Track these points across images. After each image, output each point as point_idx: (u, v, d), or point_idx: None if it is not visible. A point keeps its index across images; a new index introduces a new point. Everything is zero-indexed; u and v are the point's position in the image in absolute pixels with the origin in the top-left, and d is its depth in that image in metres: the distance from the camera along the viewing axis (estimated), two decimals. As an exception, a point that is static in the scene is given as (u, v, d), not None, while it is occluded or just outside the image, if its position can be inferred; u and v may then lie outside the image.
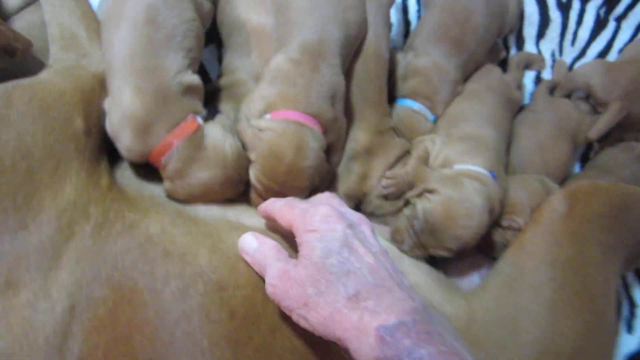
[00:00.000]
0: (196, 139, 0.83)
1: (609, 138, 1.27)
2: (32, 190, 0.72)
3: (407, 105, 1.10)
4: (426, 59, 1.11)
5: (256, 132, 0.85)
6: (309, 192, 0.88)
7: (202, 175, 0.84)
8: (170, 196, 0.86)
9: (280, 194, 0.85)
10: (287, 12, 0.93)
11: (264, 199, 0.85)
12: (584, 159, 1.31)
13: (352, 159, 1.00)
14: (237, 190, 0.89)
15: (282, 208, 0.73)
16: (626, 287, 1.23)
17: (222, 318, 0.72)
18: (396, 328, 0.55)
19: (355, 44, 0.99)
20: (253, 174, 0.87)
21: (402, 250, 0.93)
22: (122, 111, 0.80)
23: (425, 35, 1.13)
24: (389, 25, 1.09)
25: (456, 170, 0.95)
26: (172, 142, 0.80)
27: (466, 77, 1.17)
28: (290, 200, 0.75)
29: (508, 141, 1.11)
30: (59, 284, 0.69)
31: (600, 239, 0.91)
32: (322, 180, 0.92)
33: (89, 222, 0.74)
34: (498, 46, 1.30)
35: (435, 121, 1.10)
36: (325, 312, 0.60)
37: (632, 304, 1.22)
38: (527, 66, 1.33)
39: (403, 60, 1.14)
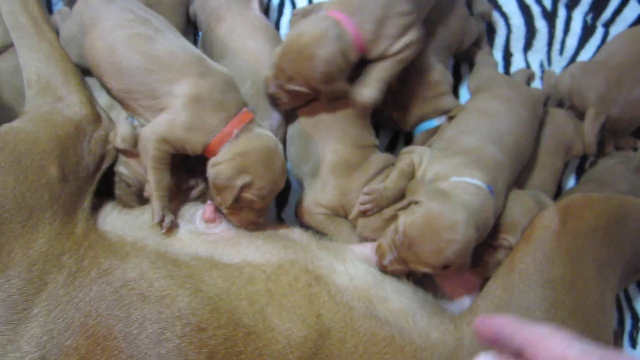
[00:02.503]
0: (250, 127, 0.89)
1: (605, 148, 1.24)
2: (1, 242, 0.71)
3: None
4: None
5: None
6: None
7: (258, 143, 0.88)
8: (217, 178, 0.86)
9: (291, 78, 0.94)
10: None
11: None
12: (579, 170, 1.28)
13: (329, 171, 1.00)
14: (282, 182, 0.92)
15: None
16: (629, 300, 1.20)
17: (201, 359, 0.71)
18: None
19: None
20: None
21: (382, 266, 0.90)
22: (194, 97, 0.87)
23: None
24: None
25: (451, 182, 0.92)
26: (232, 131, 0.88)
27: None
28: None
29: (523, 160, 1.07)
30: (29, 335, 0.68)
31: (595, 254, 0.89)
32: (333, 93, 0.98)
33: (62, 272, 0.74)
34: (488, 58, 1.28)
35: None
36: None
37: (635, 318, 1.19)
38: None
39: None
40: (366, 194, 0.97)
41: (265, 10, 1.24)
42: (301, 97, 0.98)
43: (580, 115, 1.19)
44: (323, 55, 0.92)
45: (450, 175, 0.92)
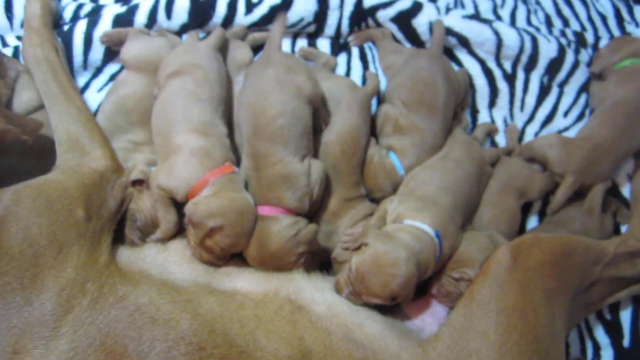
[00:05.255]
0: (231, 179, 1.04)
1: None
2: (37, 272, 0.87)
3: (396, 163, 1.26)
4: (410, 121, 1.28)
5: None
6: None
7: (239, 197, 1.03)
8: (193, 214, 1.00)
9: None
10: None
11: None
12: (542, 213, 1.43)
13: (323, 221, 1.19)
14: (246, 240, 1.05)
15: None
16: (589, 330, 1.32)
17: None
18: None
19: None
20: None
21: (344, 298, 1.04)
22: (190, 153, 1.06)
23: (402, 99, 1.30)
24: (368, 114, 1.28)
25: (402, 225, 1.08)
26: (209, 179, 1.03)
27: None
28: None
29: (468, 210, 1.24)
30: (58, 350, 0.83)
31: (543, 285, 1.02)
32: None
33: (86, 297, 0.88)
34: (462, 116, 1.45)
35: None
36: None
37: (596, 346, 1.31)
38: (488, 135, 1.48)
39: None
40: (347, 235, 1.15)
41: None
42: None
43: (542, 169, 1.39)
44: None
45: (406, 217, 1.09)
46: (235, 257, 1.08)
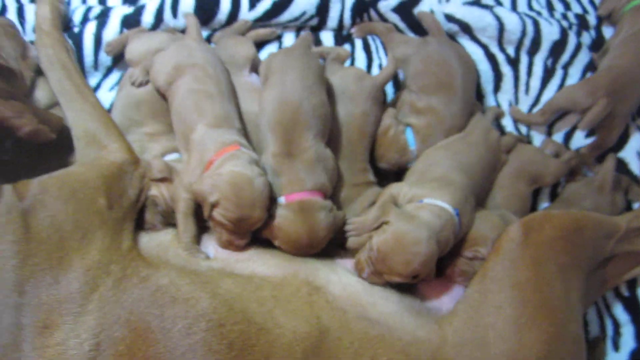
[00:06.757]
0: (233, 155, 1.06)
1: (573, 174, 1.41)
2: (63, 254, 0.92)
3: (410, 141, 1.29)
4: (427, 103, 1.30)
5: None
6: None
7: (236, 171, 1.02)
8: (196, 192, 1.04)
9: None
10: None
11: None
12: (553, 195, 1.43)
13: None
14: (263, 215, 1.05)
15: None
16: (608, 308, 1.32)
17: (222, 349, 0.88)
18: None
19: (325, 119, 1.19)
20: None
21: (363, 278, 1.05)
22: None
23: (420, 85, 1.32)
24: (376, 103, 1.30)
25: (422, 204, 1.08)
26: (214, 159, 1.06)
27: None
28: None
29: (481, 191, 1.25)
30: (86, 325, 0.87)
31: (556, 259, 1.03)
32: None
33: (110, 277, 0.93)
34: (476, 103, 1.46)
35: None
36: None
37: (615, 324, 1.31)
38: (496, 119, 1.49)
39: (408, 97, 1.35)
40: (350, 223, 1.16)
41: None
42: None
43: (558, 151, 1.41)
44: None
45: (425, 196, 1.09)
46: (256, 243, 1.10)
